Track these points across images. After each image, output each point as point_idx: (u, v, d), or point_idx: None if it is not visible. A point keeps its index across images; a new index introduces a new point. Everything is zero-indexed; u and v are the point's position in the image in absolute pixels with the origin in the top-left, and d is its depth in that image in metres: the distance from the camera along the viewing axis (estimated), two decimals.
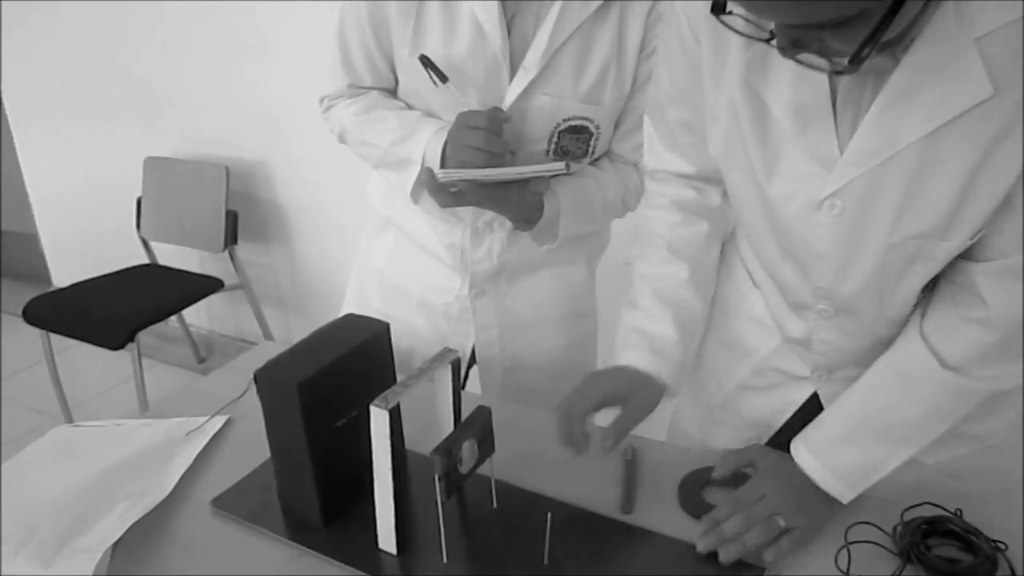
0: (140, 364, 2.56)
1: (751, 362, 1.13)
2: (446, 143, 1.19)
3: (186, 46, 2.75)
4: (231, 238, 2.79)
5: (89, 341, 2.55)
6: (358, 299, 1.50)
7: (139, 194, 2.98)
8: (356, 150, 1.33)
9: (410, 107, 1.29)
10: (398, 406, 0.90)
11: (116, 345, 2.49)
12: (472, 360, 1.44)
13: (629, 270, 1.94)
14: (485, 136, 1.13)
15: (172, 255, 3.02)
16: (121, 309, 2.63)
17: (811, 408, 1.08)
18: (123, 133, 3.07)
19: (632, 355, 1.07)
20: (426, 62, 1.19)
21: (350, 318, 1.08)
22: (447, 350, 0.98)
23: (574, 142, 1.23)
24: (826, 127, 0.87)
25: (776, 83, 0.88)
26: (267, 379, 0.96)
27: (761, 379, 1.13)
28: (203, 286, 2.80)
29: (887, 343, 0.98)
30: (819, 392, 1.08)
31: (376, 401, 0.89)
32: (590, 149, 1.26)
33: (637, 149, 1.28)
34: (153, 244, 3.04)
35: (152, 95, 2.92)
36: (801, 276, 0.99)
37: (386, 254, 1.44)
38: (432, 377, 0.97)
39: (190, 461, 1.13)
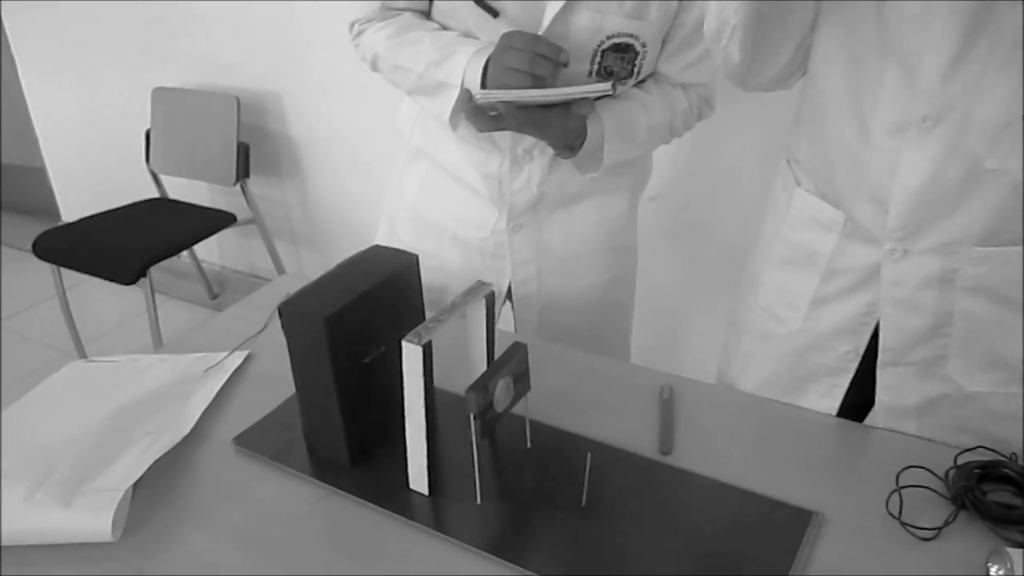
0: (153, 299, 2.52)
1: (818, 269, 1.06)
2: (487, 65, 1.11)
3: None
4: (243, 171, 2.72)
5: (100, 276, 2.51)
6: (388, 235, 1.45)
7: (148, 126, 2.91)
8: (389, 77, 1.26)
9: (445, 28, 1.22)
10: (431, 342, 0.85)
11: (128, 280, 2.45)
12: (506, 298, 1.39)
13: (657, 205, 1.88)
14: (529, 58, 1.06)
15: (182, 189, 2.96)
16: (132, 244, 2.58)
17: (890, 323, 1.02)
18: (130, 62, 2.98)
19: None
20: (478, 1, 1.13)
21: (377, 250, 1.03)
22: (481, 283, 0.93)
23: (618, 62, 1.16)
24: None
25: None
26: (292, 312, 0.91)
27: (833, 284, 1.06)
28: (215, 220, 2.75)
29: (984, 189, 0.90)
30: (883, 291, 1.00)
31: (409, 336, 0.84)
32: (635, 70, 1.18)
33: (685, 69, 1.22)
34: (163, 177, 2.98)
35: (160, 22, 2.82)
36: (905, 77, 0.90)
37: (416, 186, 1.38)
38: (464, 313, 0.92)
39: (210, 398, 1.09)
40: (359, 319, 0.92)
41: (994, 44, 0.84)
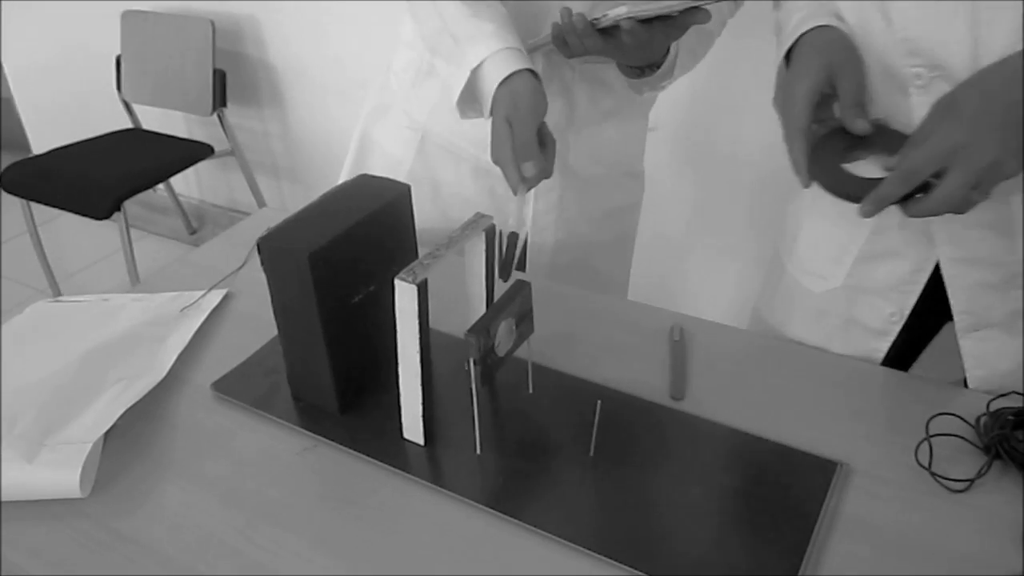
0: (128, 234, 2.43)
1: (868, 222, 0.96)
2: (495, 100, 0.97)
3: None
4: (219, 100, 2.60)
5: (73, 211, 2.41)
6: (388, 160, 1.30)
7: (118, 52, 2.77)
8: (412, 7, 1.09)
9: None
10: (426, 281, 0.77)
11: (101, 215, 2.35)
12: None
13: (654, 136, 1.80)
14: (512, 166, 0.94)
15: (157, 119, 2.84)
16: (105, 176, 2.47)
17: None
18: None
19: (810, 23, 0.90)
20: None
21: (364, 180, 0.94)
22: (480, 216, 0.85)
23: None
24: None
25: None
26: (273, 248, 0.83)
27: (880, 242, 0.97)
28: (192, 152, 2.63)
29: None
30: (942, 252, 0.93)
31: (402, 274, 0.76)
32: None
33: None
34: (136, 107, 2.85)
35: None
36: (888, 30, 0.84)
37: (432, 105, 1.22)
38: (462, 248, 0.84)
39: (187, 340, 1.02)
40: (346, 255, 0.84)
41: None
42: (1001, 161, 0.74)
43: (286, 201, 2.91)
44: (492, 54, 0.96)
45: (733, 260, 2.14)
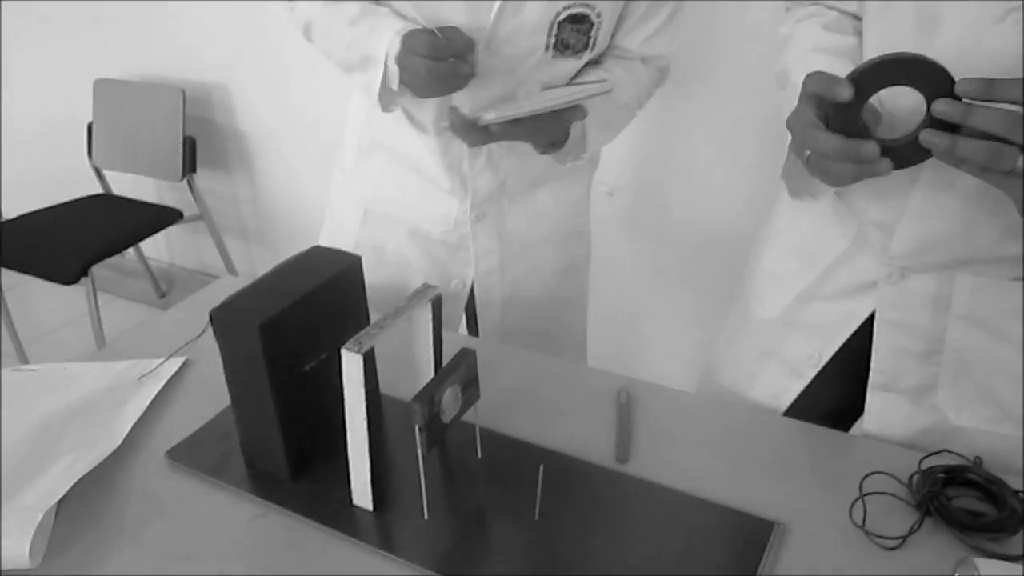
0: (95, 300, 2.43)
1: (819, 266, 1.02)
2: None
3: None
4: (189, 166, 2.64)
5: (40, 276, 2.41)
6: (336, 235, 1.38)
7: (90, 119, 2.81)
8: (320, 44, 1.19)
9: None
10: (372, 349, 0.80)
11: (68, 280, 2.36)
12: (472, 297, 1.34)
13: (611, 200, 1.85)
14: (427, 66, 1.02)
15: (127, 185, 2.86)
16: (74, 242, 2.48)
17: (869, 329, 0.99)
18: (70, 52, 2.87)
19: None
20: None
21: (317, 251, 0.97)
22: (427, 286, 0.88)
23: (574, 34, 1.11)
24: None
25: None
26: (225, 318, 0.85)
27: (827, 286, 1.02)
28: (161, 217, 2.66)
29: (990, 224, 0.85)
30: (878, 311, 0.97)
31: (348, 344, 0.79)
32: (591, 42, 1.13)
33: (645, 43, 1.18)
34: (107, 173, 2.87)
35: (100, 10, 2.72)
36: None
37: (373, 182, 1.31)
38: (410, 316, 0.87)
39: (143, 408, 1.03)
40: (297, 325, 0.87)
41: None
42: None
43: (255, 264, 2.93)
44: (389, 43, 1.07)
45: (688, 324, 2.18)
